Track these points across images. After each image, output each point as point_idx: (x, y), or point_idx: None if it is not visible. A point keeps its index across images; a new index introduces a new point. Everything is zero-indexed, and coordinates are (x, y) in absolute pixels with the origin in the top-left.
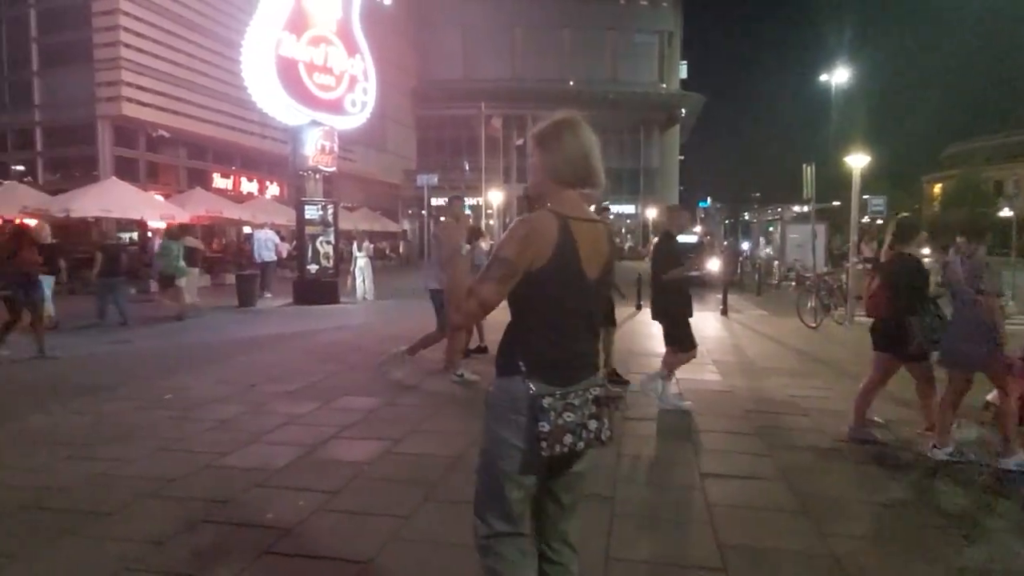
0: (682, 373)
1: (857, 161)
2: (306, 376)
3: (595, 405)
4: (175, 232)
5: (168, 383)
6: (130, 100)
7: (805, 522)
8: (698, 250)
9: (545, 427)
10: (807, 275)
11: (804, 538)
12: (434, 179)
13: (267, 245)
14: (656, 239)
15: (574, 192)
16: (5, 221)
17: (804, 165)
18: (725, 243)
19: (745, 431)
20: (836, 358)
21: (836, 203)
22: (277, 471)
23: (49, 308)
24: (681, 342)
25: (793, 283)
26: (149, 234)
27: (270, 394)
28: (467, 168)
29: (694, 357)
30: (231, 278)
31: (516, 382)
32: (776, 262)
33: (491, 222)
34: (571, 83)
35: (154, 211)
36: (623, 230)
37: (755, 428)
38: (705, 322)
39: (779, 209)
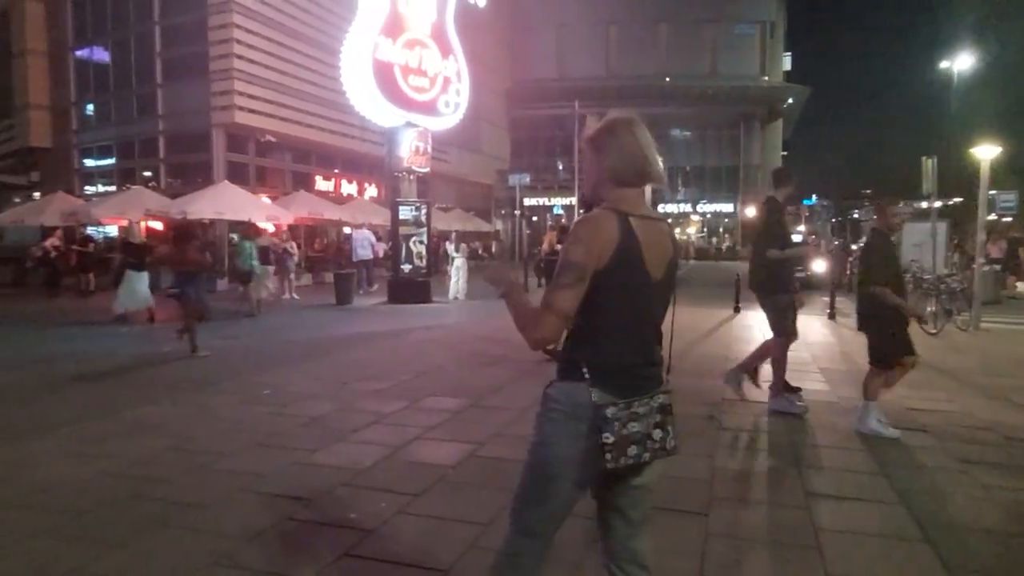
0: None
1: (985, 153)
2: (396, 375)
3: (660, 414)
4: (250, 232)
5: (268, 378)
6: (241, 108)
7: (927, 553)
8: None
9: (609, 438)
10: (925, 277)
11: (925, 572)
12: (526, 178)
13: (363, 244)
14: (866, 239)
15: (633, 191)
16: (131, 223)
17: (924, 158)
18: (836, 242)
19: (856, 447)
20: (960, 367)
21: (958, 199)
22: (363, 471)
23: (150, 301)
24: (886, 356)
25: (910, 286)
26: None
27: (360, 392)
28: (560, 168)
29: (910, 368)
30: (331, 276)
31: (580, 389)
32: None
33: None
34: (667, 79)
35: (262, 213)
36: (720, 229)
37: (867, 444)
38: (811, 326)
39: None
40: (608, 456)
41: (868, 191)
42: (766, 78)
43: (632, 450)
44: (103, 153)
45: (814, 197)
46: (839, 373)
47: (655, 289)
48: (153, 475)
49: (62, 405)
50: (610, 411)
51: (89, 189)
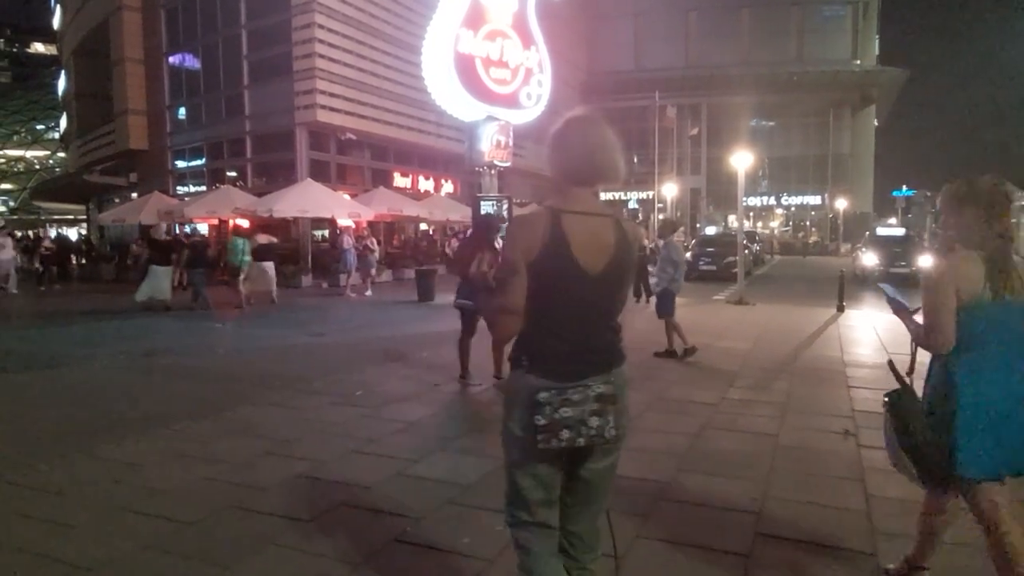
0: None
1: None
2: (486, 376)
3: (598, 402)
4: (243, 231)
5: (358, 378)
6: (323, 107)
7: None
8: (905, 245)
9: (540, 420)
10: None
11: None
12: None
13: None
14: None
15: (586, 189)
16: (221, 222)
17: None
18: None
19: None
20: None
21: None
22: (468, 486)
23: (168, 294)
24: None
25: None
26: (339, 231)
27: (454, 395)
28: (636, 161)
29: None
30: (411, 273)
31: (519, 376)
32: None
33: (661, 216)
34: (750, 67)
35: (342, 210)
36: (807, 223)
37: None
38: None
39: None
40: (539, 437)
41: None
42: (858, 62)
43: (564, 434)
44: (194, 154)
45: (904, 187)
46: None
47: (593, 282)
48: (253, 483)
49: (165, 402)
50: (542, 395)
51: (181, 189)
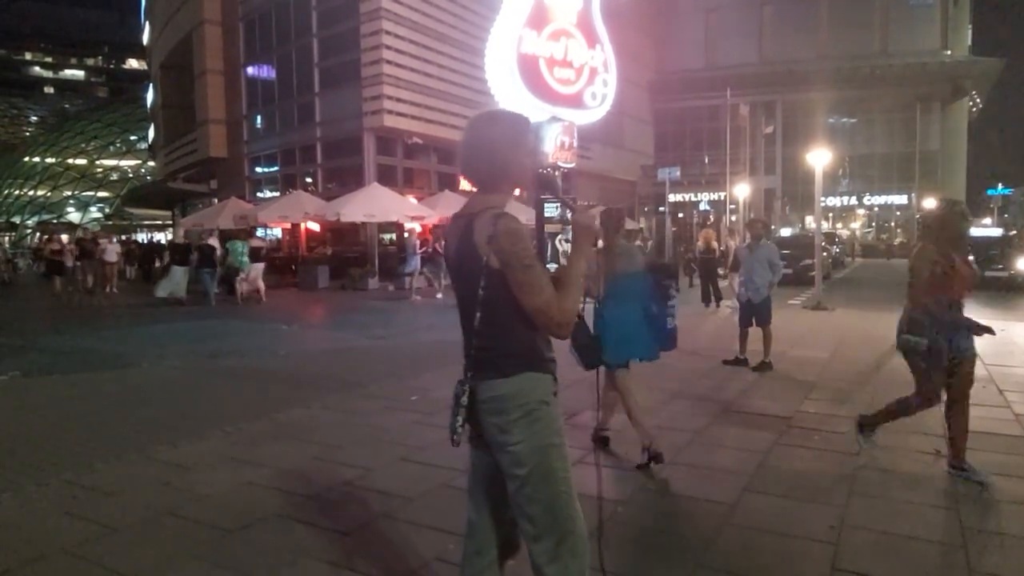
0: (1023, 408)
1: None
2: None
3: (454, 400)
4: (241, 234)
5: (414, 383)
6: (390, 112)
7: None
8: (1003, 245)
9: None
10: None
11: None
12: (676, 173)
13: None
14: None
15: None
16: (293, 226)
17: None
18: None
19: None
20: None
21: None
22: None
23: (183, 291)
24: None
25: None
26: (405, 235)
27: None
28: (707, 161)
29: None
30: None
31: None
32: None
33: (733, 218)
34: (829, 61)
35: (408, 213)
36: (892, 223)
37: None
38: None
39: None
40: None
41: None
42: (948, 52)
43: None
44: (269, 161)
45: (1000, 186)
46: None
47: (455, 284)
48: (298, 490)
49: (224, 403)
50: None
51: (258, 195)
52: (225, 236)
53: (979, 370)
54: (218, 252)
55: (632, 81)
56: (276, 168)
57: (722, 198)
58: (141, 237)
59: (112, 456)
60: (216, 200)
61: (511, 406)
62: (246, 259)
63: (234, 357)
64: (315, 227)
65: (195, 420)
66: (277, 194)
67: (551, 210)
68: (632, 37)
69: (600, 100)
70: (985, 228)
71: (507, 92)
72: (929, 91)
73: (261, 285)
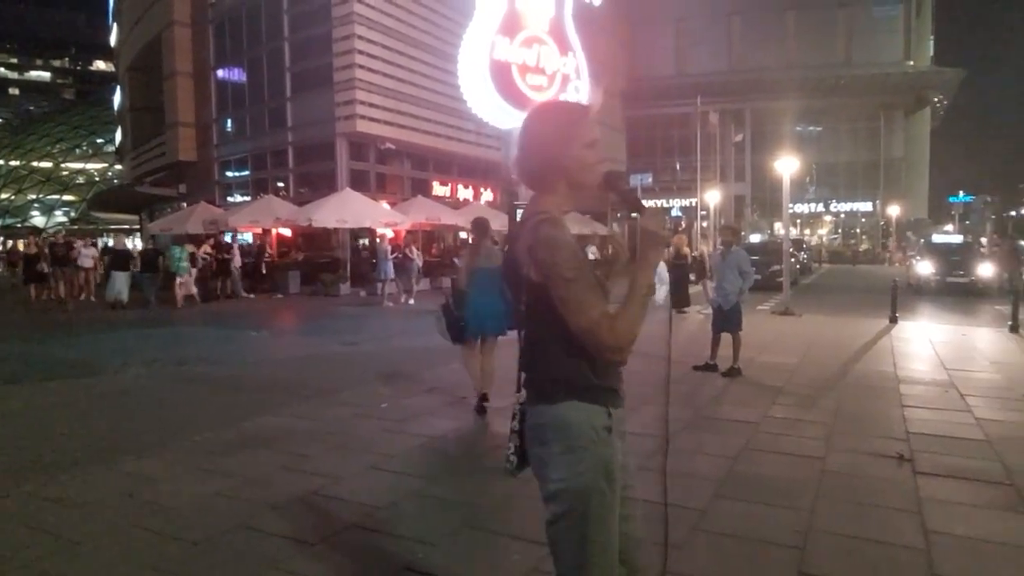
0: (984, 412)
1: None
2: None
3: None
4: (180, 240)
5: (386, 390)
6: (363, 117)
7: None
8: (964, 252)
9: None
10: None
11: None
12: (648, 179)
13: None
14: None
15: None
16: (264, 231)
17: None
18: (1004, 241)
19: None
20: None
21: None
22: (490, 509)
23: (124, 295)
24: None
25: None
26: (377, 240)
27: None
28: (678, 168)
29: None
30: (449, 282)
31: None
32: None
33: (705, 224)
34: (795, 71)
35: (381, 219)
36: (857, 230)
37: None
38: (991, 342)
39: None
40: None
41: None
42: (911, 63)
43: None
44: (240, 165)
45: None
46: None
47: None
48: (267, 500)
49: (191, 412)
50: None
51: (228, 199)
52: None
53: (939, 375)
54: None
55: (605, 88)
56: (247, 172)
57: (694, 204)
58: (110, 242)
59: (76, 467)
60: (185, 204)
61: (552, 438)
62: (184, 264)
63: (202, 364)
64: (287, 232)
65: (161, 429)
66: (248, 198)
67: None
68: (605, 46)
69: None
70: (947, 235)
71: (480, 98)
72: (893, 101)
73: (194, 290)
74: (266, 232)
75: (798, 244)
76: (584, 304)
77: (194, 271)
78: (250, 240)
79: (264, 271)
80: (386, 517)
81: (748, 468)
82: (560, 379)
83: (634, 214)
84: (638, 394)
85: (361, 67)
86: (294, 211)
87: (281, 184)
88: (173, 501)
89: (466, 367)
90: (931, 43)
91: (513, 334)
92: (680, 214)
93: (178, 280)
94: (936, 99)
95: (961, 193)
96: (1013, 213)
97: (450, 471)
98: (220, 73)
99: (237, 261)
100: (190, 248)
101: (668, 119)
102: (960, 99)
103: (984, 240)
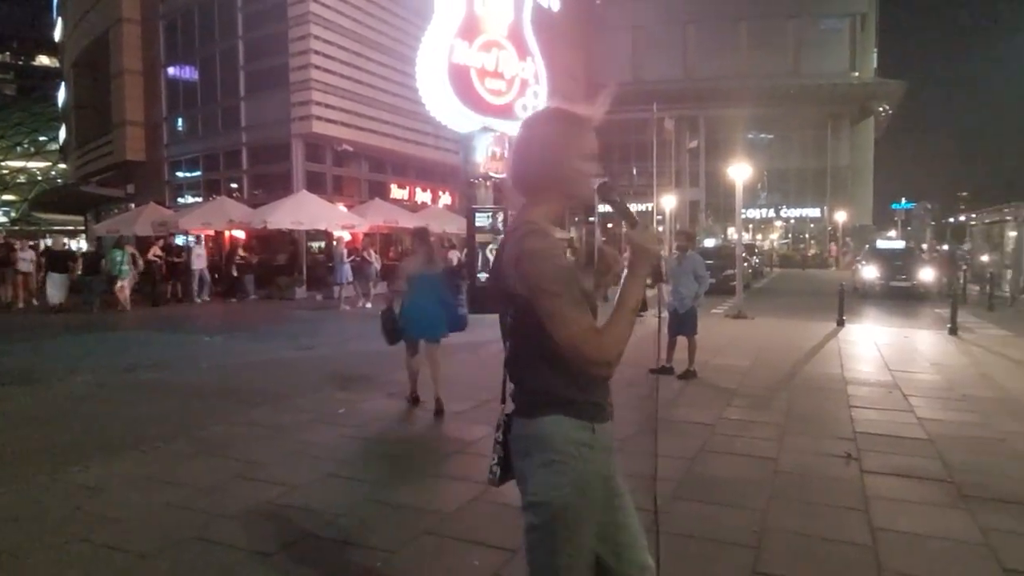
0: (926, 411)
1: None
2: (476, 394)
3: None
4: (120, 243)
5: (343, 395)
6: (319, 118)
7: None
8: (906, 257)
9: None
10: None
11: None
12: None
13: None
14: None
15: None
16: (217, 233)
17: None
18: (944, 247)
19: None
20: None
21: None
22: (449, 515)
23: (62, 297)
24: None
25: None
26: (334, 243)
27: (440, 413)
28: (635, 173)
29: None
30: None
31: None
32: (1009, 271)
33: (660, 228)
34: (748, 80)
35: (337, 221)
36: (806, 235)
37: None
38: (931, 343)
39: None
40: None
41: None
42: (856, 74)
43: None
44: (191, 166)
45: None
46: (989, 402)
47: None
48: (218, 511)
49: (141, 420)
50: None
51: (179, 200)
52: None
53: (884, 376)
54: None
55: (563, 94)
56: (198, 173)
57: (650, 209)
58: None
59: (19, 479)
60: (133, 205)
61: (533, 450)
62: (126, 268)
63: (153, 370)
64: (240, 234)
65: (110, 438)
66: (199, 200)
67: (482, 219)
68: (563, 51)
69: (531, 112)
70: (891, 241)
71: (439, 101)
72: (839, 110)
73: (126, 295)
74: (219, 234)
75: (751, 249)
76: (568, 319)
77: (135, 274)
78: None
79: (236, 274)
80: (345, 524)
81: (705, 469)
82: (543, 392)
83: (596, 223)
84: None
85: (317, 67)
86: (248, 213)
87: (235, 185)
88: (121, 512)
89: (406, 368)
90: (875, 56)
91: (456, 337)
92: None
93: (119, 283)
94: (881, 109)
95: (903, 200)
96: (952, 220)
97: (408, 477)
98: (171, 71)
99: (201, 263)
100: (131, 250)
101: (625, 124)
102: (903, 110)
103: (924, 246)
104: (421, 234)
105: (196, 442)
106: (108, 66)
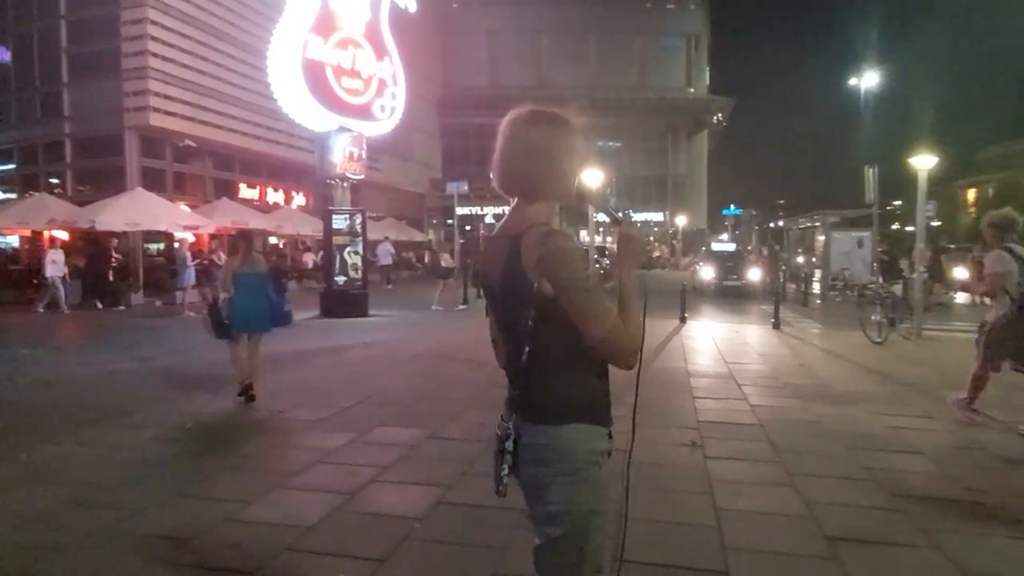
0: (756, 399)
1: (924, 162)
2: (335, 401)
3: (497, 444)
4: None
5: (188, 408)
6: (157, 110)
7: None
8: (736, 259)
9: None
10: (870, 286)
11: None
12: (464, 186)
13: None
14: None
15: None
16: (34, 233)
17: (866, 168)
18: (769, 250)
19: (858, 475)
20: (921, 379)
21: (870, 208)
22: (310, 528)
23: None
24: None
25: (837, 294)
26: (176, 245)
27: (296, 423)
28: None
29: None
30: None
31: None
32: (818, 271)
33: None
34: (597, 90)
35: (179, 222)
36: (651, 238)
37: (868, 471)
38: (759, 337)
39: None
40: None
41: (781, 201)
42: (692, 90)
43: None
44: (4, 158)
45: (732, 206)
46: (807, 388)
47: (498, 314)
48: (50, 542)
49: None
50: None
51: None
52: None
53: (721, 368)
54: None
55: (422, 96)
56: (12, 166)
57: (505, 212)
58: None
59: None
60: None
61: (555, 459)
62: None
63: None
64: (63, 235)
65: None
66: (14, 196)
67: (339, 222)
68: (422, 53)
69: (389, 112)
70: (723, 243)
71: (292, 98)
72: (677, 123)
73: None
74: (36, 235)
75: (602, 251)
76: (602, 314)
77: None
78: (16, 244)
79: (111, 278)
80: (200, 547)
81: None
82: (566, 398)
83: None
84: (458, 399)
85: (155, 55)
86: (73, 211)
87: (56, 181)
88: None
89: (232, 361)
90: (707, 73)
91: (315, 341)
92: (494, 221)
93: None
94: (715, 120)
95: (732, 206)
96: (772, 224)
97: (265, 491)
98: None
99: (57, 271)
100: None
101: (482, 128)
102: (733, 124)
103: (750, 247)
104: (246, 235)
105: (20, 467)
106: None
